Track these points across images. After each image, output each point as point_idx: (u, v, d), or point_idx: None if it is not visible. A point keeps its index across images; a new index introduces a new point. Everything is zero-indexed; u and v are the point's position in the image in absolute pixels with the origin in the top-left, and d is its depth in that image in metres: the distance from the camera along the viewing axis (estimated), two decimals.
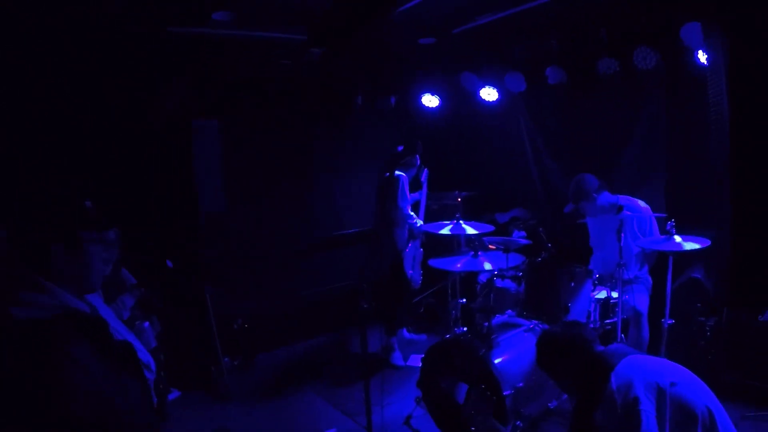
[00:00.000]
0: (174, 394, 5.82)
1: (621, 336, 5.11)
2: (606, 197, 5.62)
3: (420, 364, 5.12)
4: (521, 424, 4.58)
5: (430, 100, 7.72)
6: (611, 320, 5.28)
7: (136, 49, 5.54)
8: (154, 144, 6.10)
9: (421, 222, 6.72)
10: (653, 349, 5.44)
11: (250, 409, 5.85)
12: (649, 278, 5.80)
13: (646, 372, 2.79)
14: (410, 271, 6.72)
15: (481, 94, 7.26)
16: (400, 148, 6.70)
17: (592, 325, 5.23)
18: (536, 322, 5.23)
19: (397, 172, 6.49)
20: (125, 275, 5.17)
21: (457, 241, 6.39)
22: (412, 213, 6.60)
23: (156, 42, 5.52)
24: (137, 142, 6.01)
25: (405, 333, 7.24)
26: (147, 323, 5.22)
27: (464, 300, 6.15)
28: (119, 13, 4.91)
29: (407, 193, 6.54)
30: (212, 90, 6.39)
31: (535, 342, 3.48)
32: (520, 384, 4.58)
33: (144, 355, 4.94)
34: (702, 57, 5.22)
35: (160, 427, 2.49)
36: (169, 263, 5.66)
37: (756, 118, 1.73)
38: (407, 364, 6.65)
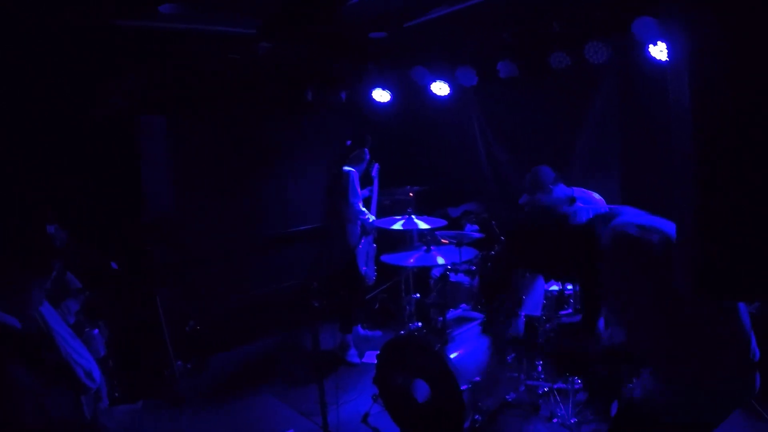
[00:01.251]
0: (136, 406, 5.63)
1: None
2: (561, 189, 5.64)
3: (375, 361, 5.07)
4: (480, 418, 4.56)
5: (381, 95, 7.65)
6: (566, 311, 5.30)
7: (80, 42, 5.35)
8: (99, 141, 5.90)
9: (373, 217, 6.67)
10: None
11: (205, 413, 5.72)
12: None
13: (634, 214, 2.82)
14: (364, 268, 6.66)
15: (432, 89, 7.22)
16: (349, 142, 6.64)
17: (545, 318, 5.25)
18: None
19: (346, 168, 6.42)
20: (70, 279, 5.00)
21: (409, 237, 6.35)
22: (363, 209, 6.54)
23: (101, 35, 5.35)
24: (81, 139, 5.81)
25: (360, 330, 7.19)
26: (96, 330, 5.07)
27: (418, 295, 6.12)
28: (63, 4, 4.75)
29: (358, 188, 6.47)
30: (159, 85, 6.22)
31: (507, 238, 3.30)
32: (477, 378, 4.55)
33: (89, 363, 4.81)
34: (654, 51, 5.28)
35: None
36: (114, 265, 5.50)
37: (720, 115, 1.74)
38: (363, 361, 6.60)
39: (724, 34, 1.83)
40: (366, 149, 6.68)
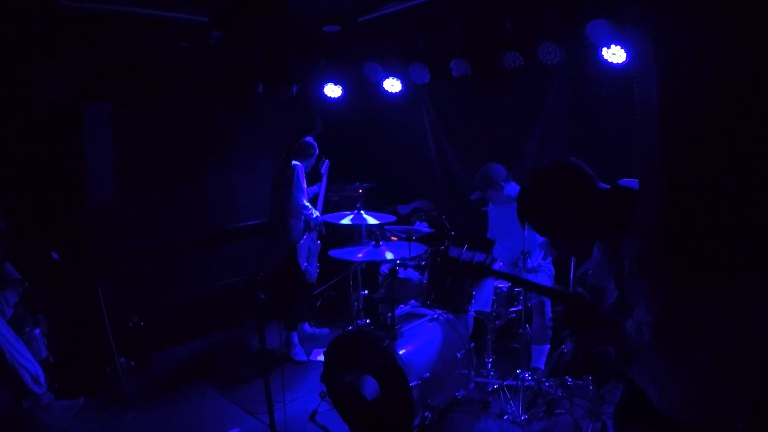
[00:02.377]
0: (77, 402, 5.42)
1: (524, 324, 5.13)
2: (513, 187, 5.66)
3: (323, 359, 4.99)
4: (429, 416, 4.52)
5: (332, 90, 7.58)
6: (515, 308, 5.31)
7: (24, 22, 5.15)
8: (41, 126, 5.68)
9: (318, 213, 6.58)
10: (558, 335, 5.52)
11: (150, 412, 5.55)
12: (552, 268, 5.87)
13: None
14: (305, 264, 6.56)
15: (384, 85, 7.19)
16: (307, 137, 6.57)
17: (495, 314, 5.24)
18: (440, 311, 5.18)
19: (293, 162, 6.33)
20: (8, 270, 4.82)
21: (358, 232, 6.29)
22: (308, 204, 6.44)
23: (46, 16, 5.15)
24: (22, 124, 5.59)
25: (306, 327, 7.09)
26: (38, 330, 4.89)
27: (366, 291, 6.06)
28: None
29: (303, 183, 6.38)
30: (106, 71, 6.03)
31: (531, 183, 2.73)
32: (427, 374, 4.50)
33: (35, 367, 4.63)
34: (607, 54, 5.33)
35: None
36: (55, 255, 5.31)
37: (688, 116, 1.74)
38: (310, 358, 6.50)
39: (691, 32, 1.83)
40: (314, 144, 6.59)
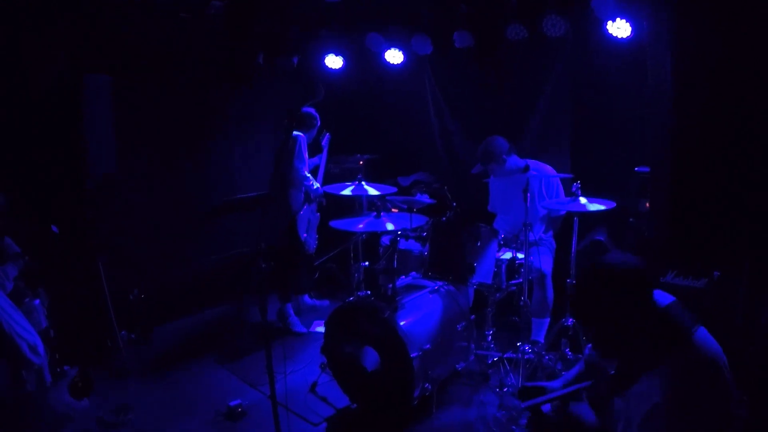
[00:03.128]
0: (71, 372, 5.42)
1: (525, 297, 5.12)
2: (515, 161, 5.63)
3: (323, 330, 4.98)
4: (429, 387, 4.53)
5: (333, 61, 7.52)
6: (516, 281, 5.30)
7: None
8: (39, 100, 5.62)
9: (318, 185, 6.55)
10: (559, 308, 5.52)
11: (151, 384, 5.56)
12: (553, 242, 5.86)
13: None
14: (304, 235, 6.53)
15: (386, 57, 7.12)
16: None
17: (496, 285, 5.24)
18: (442, 282, 5.16)
19: (295, 133, 6.28)
20: (8, 243, 4.79)
21: (359, 203, 6.26)
22: (309, 175, 6.41)
23: None
24: (20, 98, 5.53)
25: (306, 299, 7.08)
26: (37, 301, 4.86)
27: (367, 263, 6.04)
28: None
29: (305, 154, 6.34)
30: (104, 43, 5.95)
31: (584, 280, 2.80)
32: (427, 346, 4.50)
33: (33, 336, 4.61)
34: (612, 28, 5.27)
35: (34, 407, 2.30)
36: (55, 229, 5.28)
37: (701, 93, 1.70)
38: (310, 330, 6.50)
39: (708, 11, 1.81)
40: (316, 115, 6.55)
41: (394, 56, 7.07)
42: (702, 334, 2.45)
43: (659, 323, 2.47)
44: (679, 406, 2.37)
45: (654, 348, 2.47)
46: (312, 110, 6.58)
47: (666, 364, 2.43)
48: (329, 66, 7.58)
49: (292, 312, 6.61)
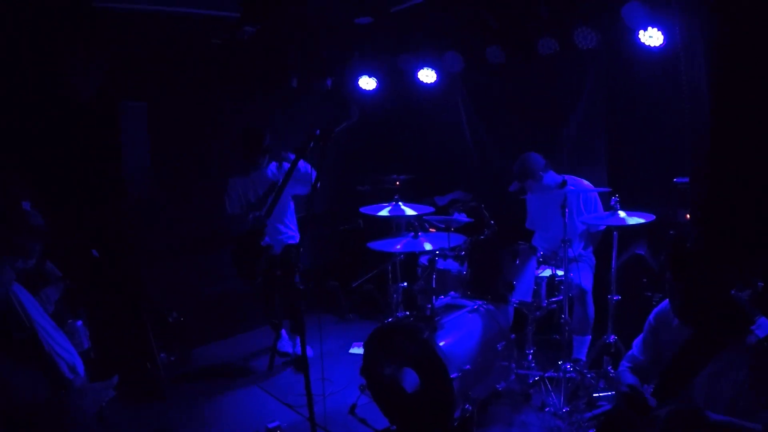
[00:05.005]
0: (112, 381, 5.45)
1: (566, 314, 5.04)
2: (552, 176, 5.58)
3: (362, 351, 4.96)
4: (470, 408, 4.47)
5: (367, 83, 7.55)
6: (556, 298, 5.22)
7: (59, 24, 5.21)
8: (79, 126, 5.74)
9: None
10: (600, 325, 5.42)
11: (191, 406, 5.60)
12: (593, 257, 5.78)
13: None
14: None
15: (419, 76, 7.12)
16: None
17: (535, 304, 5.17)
18: (481, 302, 5.11)
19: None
20: (50, 267, 4.86)
21: (396, 224, 6.24)
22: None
23: (80, 17, 5.20)
24: (59, 124, 5.65)
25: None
26: (80, 322, 4.92)
27: (405, 284, 6.02)
28: None
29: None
30: (140, 70, 6.07)
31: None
32: (467, 366, 4.45)
33: (72, 356, 4.67)
34: (643, 37, 5.20)
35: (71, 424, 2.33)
36: (95, 253, 5.35)
37: (739, 97, 1.67)
38: (350, 351, 6.48)
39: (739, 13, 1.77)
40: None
41: (427, 75, 7.07)
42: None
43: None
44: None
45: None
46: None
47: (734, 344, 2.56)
48: (363, 87, 7.61)
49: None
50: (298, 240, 6.37)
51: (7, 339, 1.90)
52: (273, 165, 6.33)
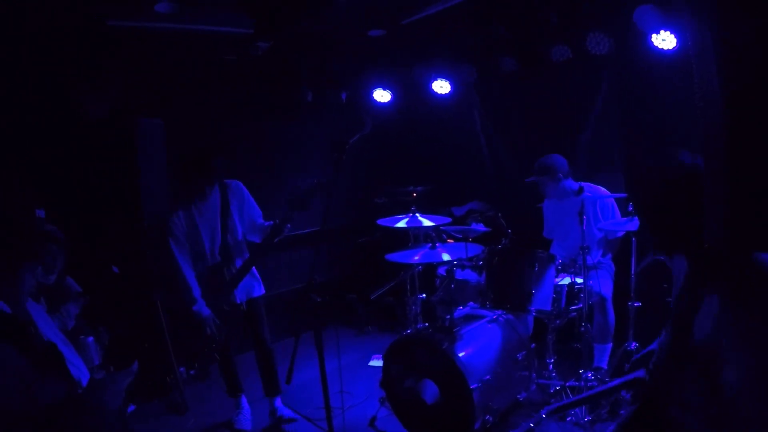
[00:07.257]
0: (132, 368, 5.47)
1: (586, 323, 5.00)
2: (570, 183, 5.57)
3: (381, 364, 4.94)
4: (491, 419, 4.44)
5: (381, 95, 7.57)
6: (576, 307, 5.18)
7: (73, 43, 5.27)
8: (95, 144, 5.80)
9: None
10: (621, 332, 5.37)
11: (210, 420, 5.61)
12: (612, 264, 5.74)
13: None
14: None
15: (433, 87, 7.13)
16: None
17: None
18: (500, 312, 5.08)
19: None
20: (70, 283, 4.90)
21: (413, 235, 6.23)
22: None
23: (95, 36, 5.27)
24: (78, 142, 5.71)
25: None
26: (91, 338, 4.95)
27: (424, 295, 6.00)
28: (59, 4, 4.68)
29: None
30: (154, 88, 6.13)
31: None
32: (487, 377, 4.43)
33: (79, 372, 4.69)
34: (656, 40, 5.18)
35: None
36: (115, 269, 5.39)
37: (752, 102, 1.65)
38: (369, 364, 6.46)
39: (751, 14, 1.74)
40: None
41: (441, 86, 7.08)
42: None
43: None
44: None
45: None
46: None
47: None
48: (378, 100, 7.63)
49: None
50: (263, 291, 5.75)
51: (28, 344, 1.92)
52: (217, 192, 5.40)
